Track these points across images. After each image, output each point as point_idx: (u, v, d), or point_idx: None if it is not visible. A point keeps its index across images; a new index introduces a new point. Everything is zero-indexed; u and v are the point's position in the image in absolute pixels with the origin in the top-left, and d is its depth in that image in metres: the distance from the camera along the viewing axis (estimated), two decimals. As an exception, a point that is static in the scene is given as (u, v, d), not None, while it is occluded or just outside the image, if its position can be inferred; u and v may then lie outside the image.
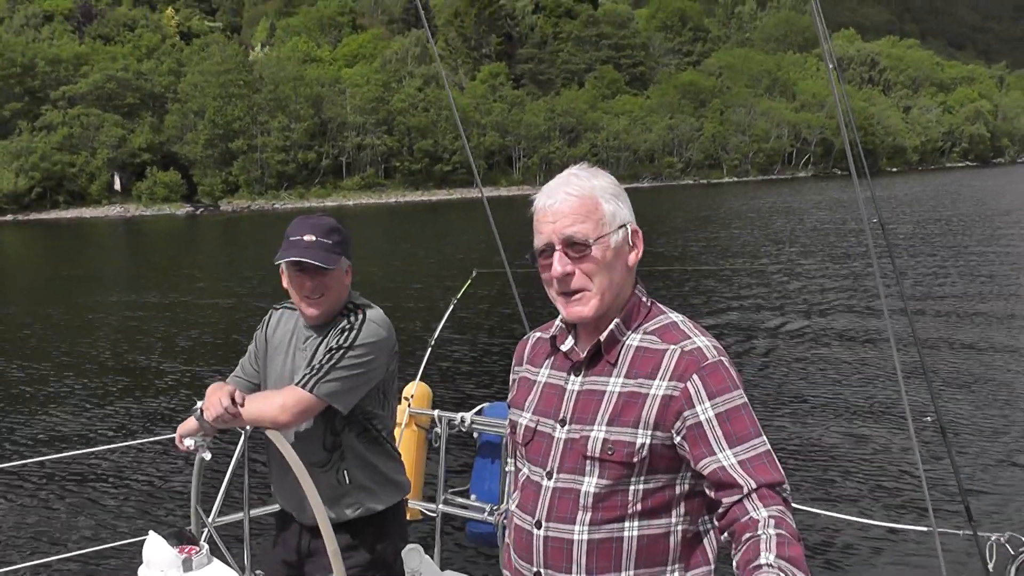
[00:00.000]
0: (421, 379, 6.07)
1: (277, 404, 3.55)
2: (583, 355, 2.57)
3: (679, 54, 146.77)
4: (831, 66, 3.81)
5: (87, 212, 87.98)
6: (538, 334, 2.82)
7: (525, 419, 2.67)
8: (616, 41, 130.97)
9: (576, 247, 2.46)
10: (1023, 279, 28.74)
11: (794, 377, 16.56)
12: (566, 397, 2.57)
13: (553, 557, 2.53)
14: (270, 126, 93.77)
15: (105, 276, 40.15)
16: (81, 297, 31.24)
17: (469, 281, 6.96)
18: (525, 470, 2.67)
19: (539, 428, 2.62)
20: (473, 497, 5.58)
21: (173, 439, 3.90)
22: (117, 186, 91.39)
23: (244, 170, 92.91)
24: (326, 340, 3.72)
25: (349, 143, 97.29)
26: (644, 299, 2.60)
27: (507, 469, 5.27)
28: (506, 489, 5.32)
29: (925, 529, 4.28)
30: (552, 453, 2.56)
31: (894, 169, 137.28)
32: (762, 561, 2.16)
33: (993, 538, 3.85)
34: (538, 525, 2.55)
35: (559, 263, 2.47)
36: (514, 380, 2.83)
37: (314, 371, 3.59)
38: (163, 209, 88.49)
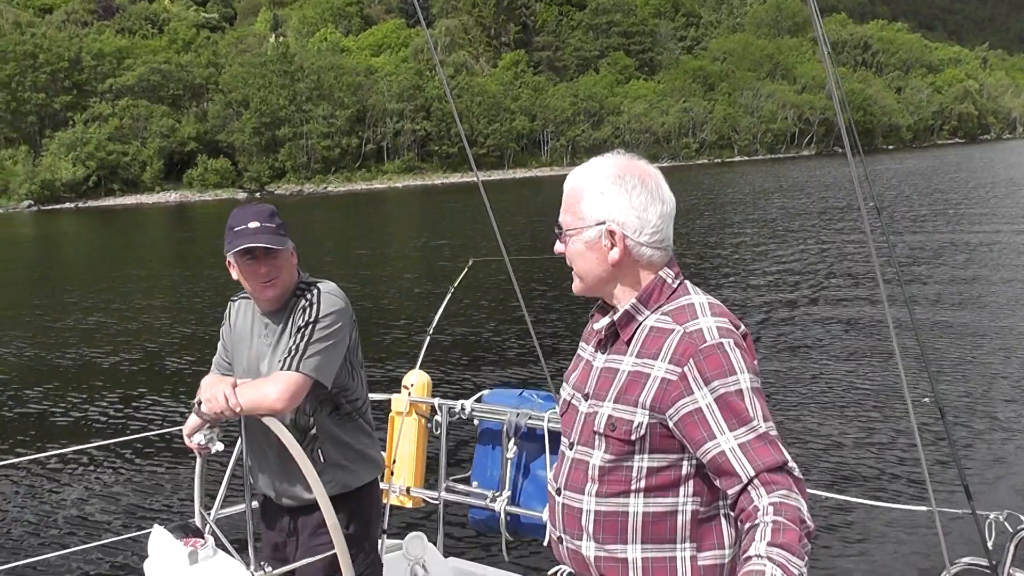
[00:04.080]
0: (421, 367, 6.04)
1: (273, 391, 3.60)
2: (604, 333, 2.66)
3: (674, 39, 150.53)
4: (826, 51, 3.90)
5: (144, 199, 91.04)
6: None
7: (565, 391, 2.79)
8: (625, 28, 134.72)
9: (561, 233, 2.64)
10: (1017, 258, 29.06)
11: (793, 359, 16.56)
12: (592, 373, 2.67)
13: (569, 524, 2.65)
14: (313, 114, 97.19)
15: (157, 259, 41.15)
16: (128, 283, 31.39)
17: (466, 270, 6.84)
18: (563, 440, 2.77)
19: (572, 401, 2.73)
20: (475, 484, 5.54)
21: (177, 431, 4.02)
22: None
23: (291, 156, 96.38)
24: (291, 321, 3.80)
25: (389, 129, 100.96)
26: (670, 281, 2.61)
27: (509, 456, 5.33)
28: (507, 475, 5.35)
29: (925, 509, 4.24)
30: (575, 425, 2.67)
31: (890, 147, 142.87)
32: (751, 552, 2.24)
33: (992, 516, 3.83)
34: (558, 492, 2.69)
35: (558, 242, 2.66)
36: (575, 356, 2.90)
37: (292, 352, 3.67)
38: (219, 195, 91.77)
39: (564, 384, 2.84)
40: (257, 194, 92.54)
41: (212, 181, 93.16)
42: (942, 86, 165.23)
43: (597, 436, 2.57)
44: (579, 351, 2.84)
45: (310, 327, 3.71)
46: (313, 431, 3.86)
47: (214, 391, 3.64)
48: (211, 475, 4.41)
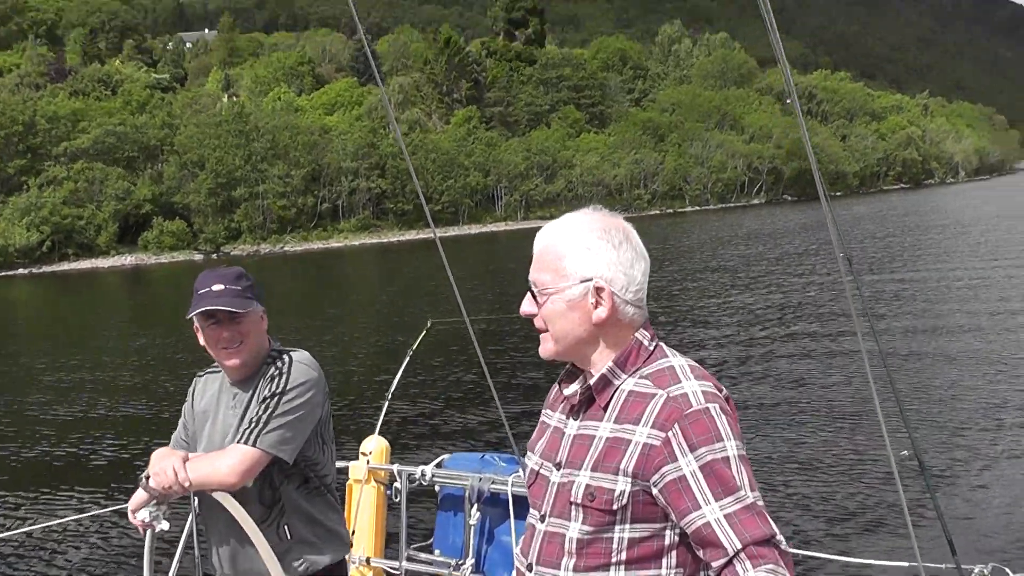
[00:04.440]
0: (379, 433, 5.90)
1: (224, 465, 3.45)
2: (578, 398, 2.59)
3: (623, 91, 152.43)
4: (797, 106, 3.91)
5: (99, 262, 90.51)
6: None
7: (532, 461, 2.71)
8: (575, 82, 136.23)
9: (536, 291, 2.56)
10: (989, 300, 29.32)
11: (769, 415, 16.52)
12: (563, 441, 2.59)
13: None
14: (269, 173, 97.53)
15: (111, 325, 40.37)
16: (79, 353, 30.70)
17: (424, 332, 6.77)
18: (531, 512, 2.67)
19: (541, 471, 2.65)
20: (437, 553, 5.40)
21: (123, 508, 3.80)
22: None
23: (246, 216, 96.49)
24: (256, 392, 3.64)
25: (344, 187, 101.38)
26: (646, 343, 2.57)
27: (471, 523, 5.18)
28: (470, 542, 5.21)
29: (909, 564, 4.13)
30: (547, 496, 2.57)
31: (838, 193, 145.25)
32: None
33: (977, 570, 3.76)
34: (529, 568, 2.57)
35: (525, 303, 2.58)
36: (539, 424, 2.82)
37: (252, 424, 3.52)
38: (175, 257, 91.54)
39: (529, 454, 2.76)
40: (214, 255, 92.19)
41: (168, 243, 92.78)
42: (886, 133, 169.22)
43: (574, 507, 2.49)
44: (543, 418, 2.78)
45: (276, 398, 3.56)
46: (280, 504, 3.69)
47: (163, 464, 3.49)
48: (163, 553, 4.37)
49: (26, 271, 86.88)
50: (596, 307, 2.51)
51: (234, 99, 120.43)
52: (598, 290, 2.51)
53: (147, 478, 3.54)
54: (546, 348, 2.58)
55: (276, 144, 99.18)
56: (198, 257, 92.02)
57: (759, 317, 27.85)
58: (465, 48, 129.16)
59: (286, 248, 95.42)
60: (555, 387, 2.77)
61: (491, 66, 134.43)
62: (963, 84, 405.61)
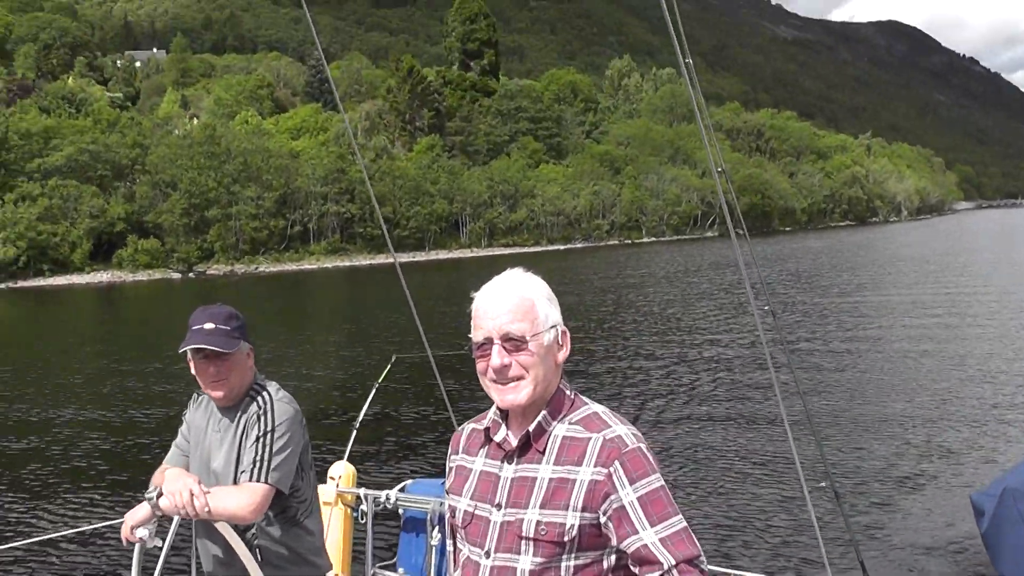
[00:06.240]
0: (347, 459, 6.14)
1: (245, 503, 3.69)
2: (515, 444, 2.77)
3: (576, 123, 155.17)
4: (706, 139, 4.07)
5: (75, 279, 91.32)
6: (472, 425, 3.00)
7: (463, 504, 2.86)
8: (533, 114, 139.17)
9: (513, 342, 2.69)
10: (902, 329, 30.73)
11: (689, 446, 16.88)
12: (500, 483, 2.78)
13: None
14: (241, 195, 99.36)
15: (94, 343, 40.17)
16: (60, 370, 31.05)
17: (389, 366, 7.01)
18: (465, 550, 2.85)
19: (477, 512, 2.81)
20: (401, 571, 5.61)
21: (112, 524, 3.95)
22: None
23: (219, 237, 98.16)
24: (243, 421, 3.94)
25: (313, 211, 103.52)
26: (568, 392, 2.82)
27: (433, 543, 5.42)
28: (432, 562, 5.44)
29: None
30: (489, 534, 2.75)
31: (787, 228, 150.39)
32: None
33: None
34: None
35: (498, 355, 2.69)
36: (451, 468, 3.00)
37: (258, 463, 3.77)
38: (152, 275, 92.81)
39: (455, 496, 2.92)
40: (190, 274, 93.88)
41: (143, 261, 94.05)
42: (832, 171, 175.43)
43: (525, 541, 2.68)
44: (461, 463, 2.96)
45: (268, 436, 3.81)
46: (253, 529, 3.91)
47: (178, 486, 3.66)
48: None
49: (2, 285, 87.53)
50: (560, 350, 2.80)
51: (194, 120, 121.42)
52: (563, 334, 2.81)
53: (157, 496, 3.67)
54: (524, 394, 2.72)
55: (248, 166, 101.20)
56: (175, 276, 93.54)
57: (676, 352, 28.34)
58: (427, 79, 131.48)
59: (260, 269, 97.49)
60: (462, 433, 3.04)
61: (448, 95, 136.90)
62: (898, 126, 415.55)
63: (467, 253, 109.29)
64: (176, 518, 3.73)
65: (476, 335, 2.75)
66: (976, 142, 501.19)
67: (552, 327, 2.75)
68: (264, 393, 3.98)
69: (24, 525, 13.49)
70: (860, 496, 13.31)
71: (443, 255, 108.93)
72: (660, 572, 2.55)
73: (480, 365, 2.75)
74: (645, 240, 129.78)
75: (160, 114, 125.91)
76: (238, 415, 3.95)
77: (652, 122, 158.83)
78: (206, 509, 3.60)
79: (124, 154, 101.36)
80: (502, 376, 2.71)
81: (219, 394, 3.93)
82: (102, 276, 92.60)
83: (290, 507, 3.95)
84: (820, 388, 21.30)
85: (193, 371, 3.97)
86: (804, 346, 27.60)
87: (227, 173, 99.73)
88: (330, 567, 4.30)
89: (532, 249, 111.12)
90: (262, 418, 3.87)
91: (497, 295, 2.74)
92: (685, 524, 2.63)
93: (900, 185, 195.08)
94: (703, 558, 2.61)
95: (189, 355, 3.92)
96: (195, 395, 4.21)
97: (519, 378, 2.71)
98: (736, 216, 4.35)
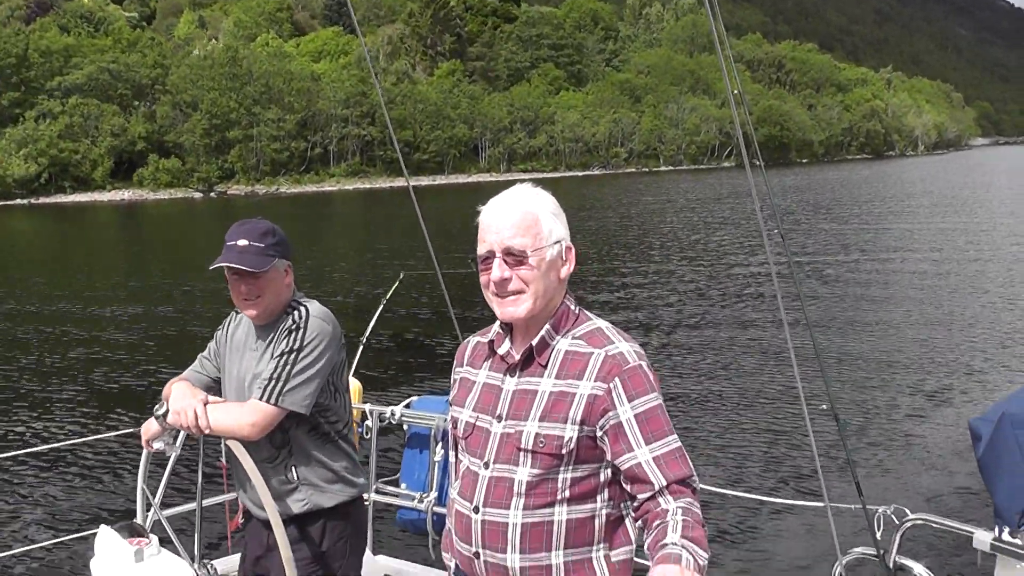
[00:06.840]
0: (353, 375, 6.14)
1: (246, 421, 3.62)
2: (518, 357, 2.79)
3: (596, 51, 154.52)
4: (725, 71, 3.97)
5: (97, 196, 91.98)
6: (477, 338, 3.02)
7: (465, 415, 2.89)
8: (554, 41, 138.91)
9: (514, 256, 2.69)
10: (909, 261, 30.94)
11: (696, 368, 16.96)
12: (502, 396, 2.80)
13: (490, 539, 2.75)
14: (263, 117, 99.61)
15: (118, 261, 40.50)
16: (86, 284, 31.35)
17: (397, 283, 6.97)
18: (465, 461, 2.87)
19: (478, 423, 2.83)
20: (403, 486, 5.69)
21: (124, 434, 4.06)
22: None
23: (240, 158, 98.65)
24: (273, 344, 3.80)
25: (334, 133, 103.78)
26: (573, 308, 2.83)
27: (436, 459, 5.50)
28: (434, 477, 5.51)
29: (819, 505, 4.36)
30: (489, 446, 2.78)
31: (804, 160, 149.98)
32: (667, 540, 2.42)
33: (880, 510, 3.94)
34: (476, 510, 2.77)
35: (498, 268, 2.70)
36: (455, 380, 3.02)
37: (272, 382, 3.66)
38: (173, 194, 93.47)
39: (457, 408, 2.95)
40: (211, 194, 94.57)
41: (164, 180, 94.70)
42: (851, 105, 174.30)
43: (523, 453, 2.70)
44: (464, 375, 2.99)
45: (293, 354, 3.70)
46: (289, 447, 3.84)
47: (183, 404, 3.66)
48: (155, 475, 4.54)
49: (24, 202, 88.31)
50: (564, 265, 2.79)
51: (214, 41, 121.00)
52: (568, 250, 2.79)
53: (164, 415, 3.71)
54: (524, 307, 2.73)
55: (270, 88, 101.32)
56: (196, 195, 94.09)
57: (686, 278, 28.62)
58: (448, 3, 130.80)
59: (280, 190, 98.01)
60: (467, 346, 3.06)
61: (469, 20, 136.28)
62: (919, 59, 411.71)
63: (486, 177, 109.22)
64: (182, 432, 3.85)
65: (480, 248, 2.76)
66: (997, 78, 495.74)
67: (556, 243, 2.74)
68: (300, 309, 3.84)
69: (47, 434, 13.90)
70: (861, 420, 13.45)
71: (462, 179, 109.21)
72: (652, 491, 2.59)
73: (483, 278, 2.76)
74: (663, 168, 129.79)
75: (178, 35, 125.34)
76: (274, 332, 3.82)
77: (673, 52, 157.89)
78: (207, 428, 3.61)
79: (145, 74, 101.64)
80: (502, 289, 2.72)
81: (252, 312, 3.82)
82: (123, 194, 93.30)
83: (320, 425, 3.84)
84: (828, 318, 21.40)
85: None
86: (815, 276, 27.82)
87: (248, 95, 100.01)
88: (367, 487, 4.28)
89: (550, 175, 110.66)
90: (292, 334, 3.74)
91: (502, 209, 2.74)
92: (680, 444, 2.66)
93: (918, 120, 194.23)
94: (695, 477, 2.64)
95: (224, 271, 3.79)
96: (234, 313, 4.08)
97: (519, 292, 2.71)
98: (753, 148, 4.37)
